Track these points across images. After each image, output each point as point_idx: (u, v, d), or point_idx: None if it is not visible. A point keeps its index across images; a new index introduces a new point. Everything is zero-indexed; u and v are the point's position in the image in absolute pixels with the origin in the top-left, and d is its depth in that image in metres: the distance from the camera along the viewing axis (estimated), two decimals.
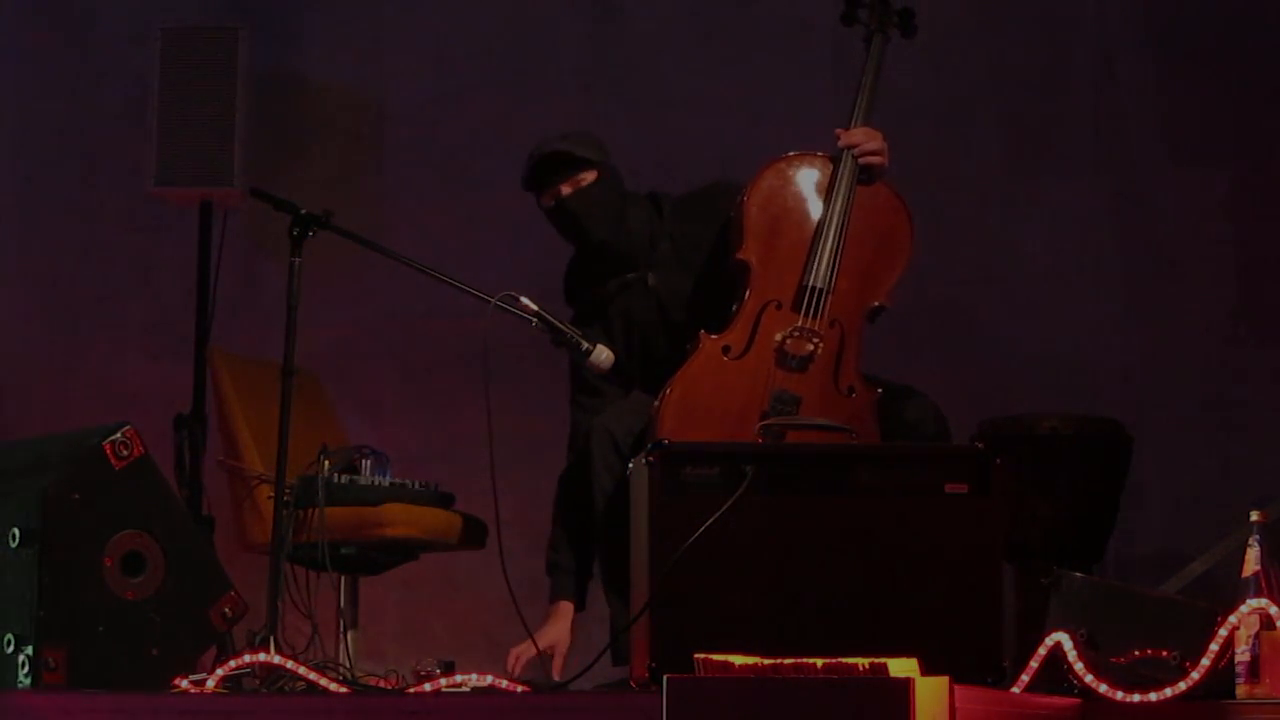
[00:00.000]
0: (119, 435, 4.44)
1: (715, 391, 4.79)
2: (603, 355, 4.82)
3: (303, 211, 4.71)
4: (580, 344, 4.83)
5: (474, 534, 5.46)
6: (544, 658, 4.85)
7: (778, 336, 4.84)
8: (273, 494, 4.68)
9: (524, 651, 4.87)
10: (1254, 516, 4.10)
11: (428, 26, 6.84)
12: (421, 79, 6.83)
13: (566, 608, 4.95)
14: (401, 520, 5.35)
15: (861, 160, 4.97)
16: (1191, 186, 6.51)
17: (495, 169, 6.67)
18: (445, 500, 5.47)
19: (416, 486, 5.38)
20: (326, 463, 5.21)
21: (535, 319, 4.84)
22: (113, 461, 4.42)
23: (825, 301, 4.86)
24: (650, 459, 4.22)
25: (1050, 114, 6.63)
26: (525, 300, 4.86)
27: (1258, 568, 4.05)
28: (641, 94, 6.70)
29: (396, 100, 6.85)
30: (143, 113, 6.47)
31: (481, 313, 4.83)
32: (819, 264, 4.88)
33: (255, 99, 6.48)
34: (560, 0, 6.82)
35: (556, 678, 4.77)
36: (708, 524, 4.14)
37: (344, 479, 5.27)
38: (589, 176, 5.04)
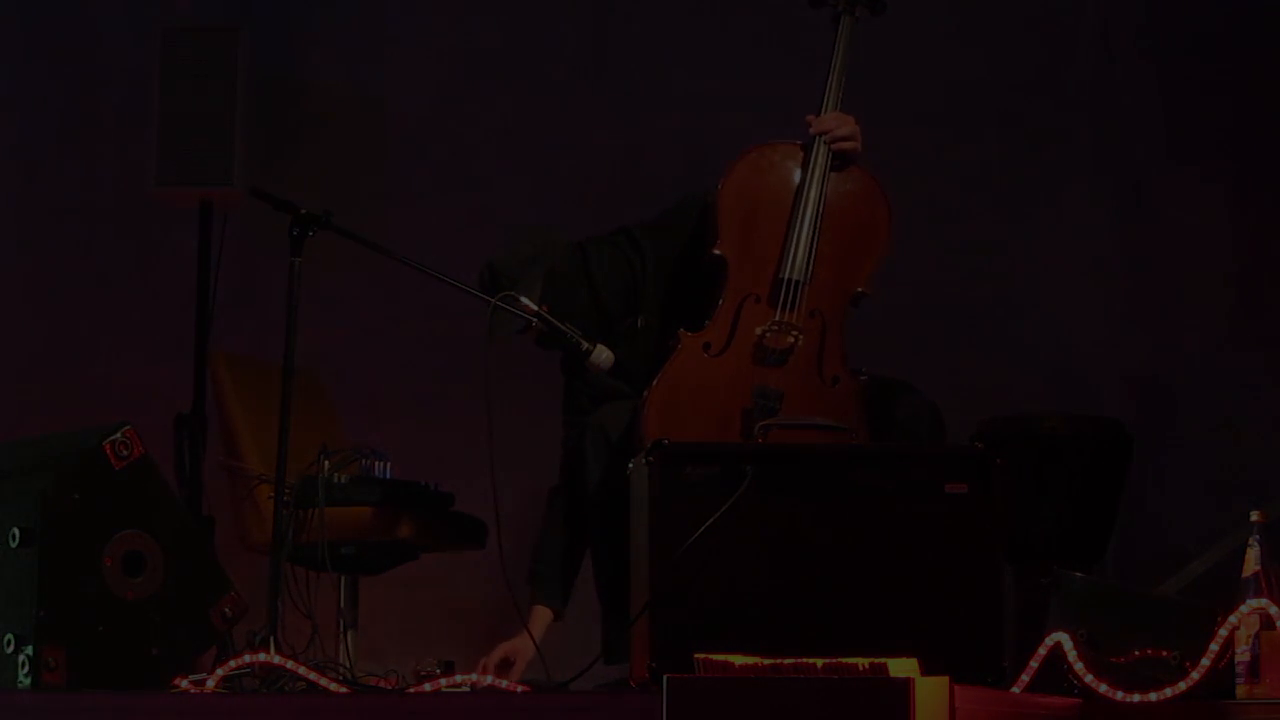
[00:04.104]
0: (119, 435, 4.43)
1: (698, 389, 4.77)
2: (603, 355, 4.82)
3: (303, 211, 4.70)
4: (580, 344, 4.83)
5: (473, 534, 5.46)
6: (505, 664, 4.82)
7: (757, 331, 4.81)
8: (273, 494, 4.68)
9: (490, 660, 4.84)
10: (1254, 516, 4.10)
11: (428, 26, 6.84)
12: (422, 79, 6.83)
13: (544, 614, 4.90)
14: (401, 520, 5.35)
15: (834, 146, 4.91)
16: (1191, 186, 6.51)
17: (495, 169, 6.69)
18: (445, 500, 5.47)
19: (416, 486, 5.38)
20: (326, 463, 5.21)
21: (535, 319, 4.84)
22: (113, 461, 4.42)
23: (803, 293, 4.83)
24: (650, 459, 4.22)
25: (1050, 114, 6.63)
26: (525, 300, 4.86)
27: (1258, 568, 4.05)
28: (641, 94, 6.70)
29: (396, 100, 6.85)
30: (143, 113, 6.47)
31: (482, 313, 4.83)
32: (795, 255, 4.84)
33: (255, 99, 6.48)
34: (560, 0, 6.82)
35: (512, 684, 4.73)
36: (708, 524, 4.13)
37: (344, 479, 5.27)
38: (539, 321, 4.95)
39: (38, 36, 6.91)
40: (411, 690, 4.19)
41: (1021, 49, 6.65)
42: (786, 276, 4.83)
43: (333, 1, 6.89)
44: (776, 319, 4.80)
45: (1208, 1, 6.54)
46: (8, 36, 6.92)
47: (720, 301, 4.84)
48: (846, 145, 4.92)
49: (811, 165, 4.89)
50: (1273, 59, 6.47)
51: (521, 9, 6.81)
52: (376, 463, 5.36)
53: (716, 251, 4.87)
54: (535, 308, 4.84)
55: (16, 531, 4.30)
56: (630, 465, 4.43)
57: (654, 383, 4.77)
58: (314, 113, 6.85)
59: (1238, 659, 4.01)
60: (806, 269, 4.83)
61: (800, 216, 4.86)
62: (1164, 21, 6.57)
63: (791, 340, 4.79)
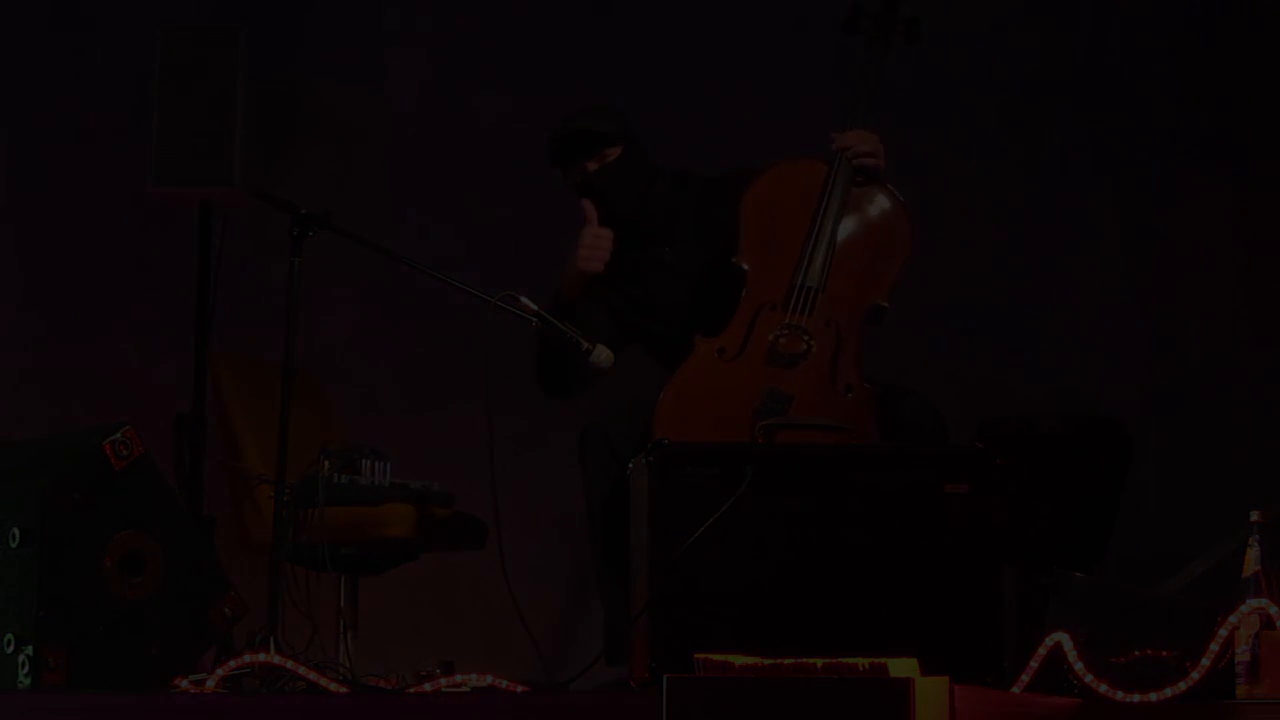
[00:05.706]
0: (119, 435, 4.44)
1: (709, 393, 4.79)
2: (603, 355, 4.82)
3: (302, 211, 4.71)
4: (580, 344, 4.83)
5: (474, 534, 5.46)
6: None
7: (770, 336, 4.84)
8: (273, 494, 4.68)
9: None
10: (1254, 516, 4.10)
11: (428, 26, 6.84)
12: (422, 78, 6.83)
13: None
14: (401, 520, 5.35)
15: (856, 162, 4.98)
16: (1192, 186, 6.51)
17: (496, 168, 6.69)
18: (445, 500, 5.47)
19: (416, 486, 5.38)
20: (326, 463, 5.21)
21: (535, 319, 4.84)
22: (113, 461, 4.42)
23: (816, 299, 4.86)
24: (650, 459, 4.22)
25: (1050, 114, 6.63)
26: (525, 300, 4.86)
27: (1258, 568, 4.05)
28: (643, 94, 6.69)
29: (397, 100, 6.85)
30: (143, 113, 6.46)
31: (481, 313, 4.83)
32: (811, 264, 4.90)
33: (255, 99, 6.48)
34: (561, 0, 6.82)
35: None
36: (708, 524, 4.14)
37: (344, 479, 5.27)
38: (614, 152, 5.10)
39: (37, 36, 6.91)
40: (411, 690, 4.19)
41: (1022, 48, 6.64)
42: (800, 283, 4.87)
43: (332, 1, 6.89)
44: (787, 320, 4.83)
45: (1209, 1, 6.54)
46: (7, 36, 6.92)
47: (738, 308, 4.88)
48: (869, 161, 4.98)
49: (832, 179, 4.94)
50: (1273, 59, 6.46)
51: (522, 8, 6.81)
52: (377, 463, 5.36)
53: (736, 262, 4.93)
54: (535, 307, 4.84)
55: (16, 531, 4.30)
56: (630, 465, 4.43)
57: (666, 385, 4.80)
58: (314, 113, 6.85)
59: (1238, 659, 4.01)
60: (821, 276, 4.88)
61: (819, 228, 4.91)
62: (1165, 21, 6.56)
63: (804, 346, 4.82)
